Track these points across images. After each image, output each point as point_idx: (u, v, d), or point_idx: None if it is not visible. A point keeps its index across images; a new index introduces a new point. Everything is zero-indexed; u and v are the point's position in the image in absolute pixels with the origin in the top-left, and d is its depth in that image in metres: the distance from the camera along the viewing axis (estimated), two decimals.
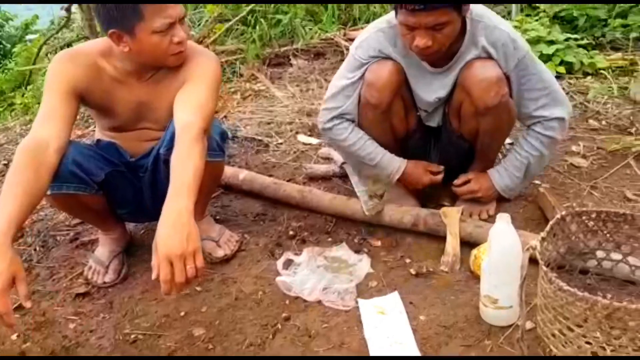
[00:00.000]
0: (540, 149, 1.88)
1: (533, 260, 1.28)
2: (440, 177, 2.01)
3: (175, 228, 1.36)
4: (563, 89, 2.90)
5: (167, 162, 1.72)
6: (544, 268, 1.24)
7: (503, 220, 1.43)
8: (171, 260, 1.33)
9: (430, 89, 1.85)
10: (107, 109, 1.80)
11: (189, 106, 1.63)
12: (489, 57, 1.74)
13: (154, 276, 1.35)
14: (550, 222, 1.36)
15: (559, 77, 3.05)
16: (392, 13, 1.76)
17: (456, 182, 1.99)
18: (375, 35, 1.81)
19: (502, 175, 1.95)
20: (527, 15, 3.64)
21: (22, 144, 1.55)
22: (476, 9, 1.75)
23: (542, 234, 1.32)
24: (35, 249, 2.13)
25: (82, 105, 1.76)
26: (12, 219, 1.40)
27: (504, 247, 1.42)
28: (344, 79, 1.89)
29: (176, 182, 1.43)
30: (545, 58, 3.08)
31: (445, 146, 2.01)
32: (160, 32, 1.61)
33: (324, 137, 2.21)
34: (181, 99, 1.67)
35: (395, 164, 1.97)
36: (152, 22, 1.59)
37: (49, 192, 1.60)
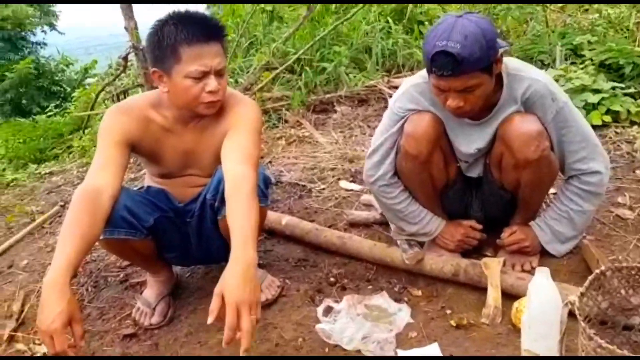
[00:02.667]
0: (580, 203, 1.87)
1: (574, 315, 1.27)
2: (477, 235, 2.05)
3: (245, 278, 1.43)
4: (609, 138, 2.93)
5: (212, 208, 1.81)
6: (583, 324, 1.24)
7: (542, 274, 1.43)
8: (239, 309, 1.40)
9: (470, 140, 1.88)
10: (156, 157, 1.90)
11: (240, 156, 1.71)
12: (528, 110, 1.76)
13: (210, 320, 1.42)
14: (590, 277, 1.36)
15: (605, 126, 3.03)
16: (422, 71, 1.82)
17: (503, 235, 1.98)
18: (412, 89, 1.86)
19: (544, 230, 1.94)
20: (572, 64, 3.63)
21: (79, 190, 1.65)
22: (512, 62, 1.78)
23: (581, 289, 1.32)
24: (87, 289, 2.22)
25: (133, 154, 1.87)
26: (70, 262, 1.49)
27: (543, 302, 1.42)
28: (385, 131, 1.93)
29: (241, 234, 1.50)
30: (591, 107, 3.06)
31: (487, 197, 2.01)
32: (193, 78, 1.70)
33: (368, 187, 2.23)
34: (229, 147, 1.75)
35: (435, 224, 2.03)
36: (187, 67, 1.69)
37: (101, 237, 1.69)
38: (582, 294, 1.29)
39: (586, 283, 1.33)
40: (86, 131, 4.77)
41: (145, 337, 1.90)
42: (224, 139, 1.82)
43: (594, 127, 2.93)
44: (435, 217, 2.04)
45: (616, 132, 2.99)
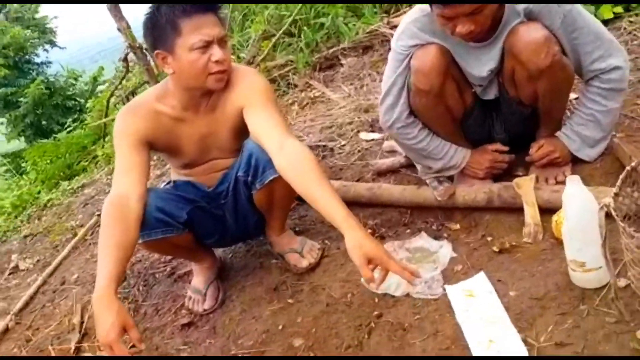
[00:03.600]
0: (604, 103, 1.81)
1: (612, 217, 1.25)
2: (504, 158, 2.01)
3: (371, 237, 1.52)
4: (624, 29, 2.81)
5: (246, 184, 1.83)
6: (621, 224, 1.21)
7: (573, 182, 1.40)
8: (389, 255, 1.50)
9: (480, 63, 1.83)
10: (174, 149, 1.92)
11: (280, 129, 1.74)
12: (534, 20, 1.70)
13: (376, 287, 1.58)
14: (621, 176, 1.32)
15: (618, 18, 2.91)
16: (420, 5, 1.78)
17: (531, 150, 1.94)
18: (412, 25, 1.81)
19: (572, 137, 1.89)
20: None
21: (106, 201, 1.69)
22: None
23: (614, 189, 1.29)
24: (138, 289, 2.29)
25: (152, 151, 1.89)
26: (112, 274, 1.53)
27: (578, 210, 1.39)
28: (392, 73, 1.90)
29: (338, 204, 1.55)
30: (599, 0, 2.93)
31: (508, 116, 1.97)
32: (197, 49, 1.70)
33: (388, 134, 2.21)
34: (264, 125, 1.77)
35: (460, 155, 2.00)
36: (189, 38, 1.69)
37: (140, 240, 1.73)
38: (616, 194, 1.26)
39: (618, 182, 1.29)
40: (106, 139, 4.85)
41: (202, 323, 1.96)
42: (236, 114, 1.83)
43: (606, 21, 2.84)
44: (460, 148, 2.01)
45: (630, 22, 2.87)
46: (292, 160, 1.65)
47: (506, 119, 1.99)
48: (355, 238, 1.47)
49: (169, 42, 1.71)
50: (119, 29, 3.67)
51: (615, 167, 1.89)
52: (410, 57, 1.83)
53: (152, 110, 1.84)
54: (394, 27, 3.84)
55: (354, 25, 4.12)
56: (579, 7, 1.72)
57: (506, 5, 1.70)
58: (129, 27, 3.64)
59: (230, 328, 1.88)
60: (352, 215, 1.53)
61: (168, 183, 2.05)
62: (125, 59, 3.88)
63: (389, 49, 3.72)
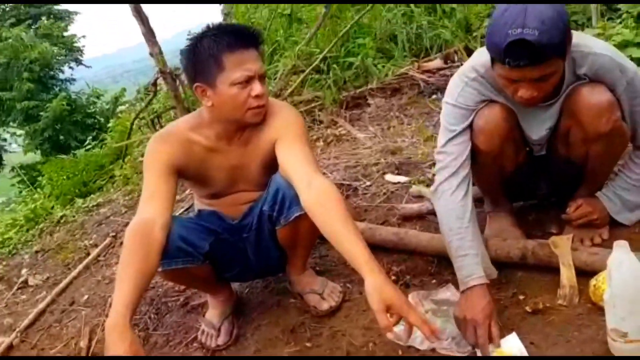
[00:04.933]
0: None
1: None
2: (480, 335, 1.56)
3: (392, 283, 1.47)
4: None
5: (270, 219, 1.80)
6: None
7: (621, 248, 1.35)
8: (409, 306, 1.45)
9: (540, 124, 1.76)
10: (203, 178, 1.88)
11: (309, 166, 1.71)
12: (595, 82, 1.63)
13: (391, 336, 1.55)
14: None
15: None
16: (477, 60, 1.70)
17: (569, 210, 1.87)
18: (472, 84, 1.71)
19: (613, 200, 1.84)
20: (609, 19, 3.47)
21: (130, 226, 1.65)
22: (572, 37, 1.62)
23: None
24: (150, 317, 2.23)
25: (180, 180, 1.85)
26: (129, 301, 1.48)
27: (626, 277, 1.33)
28: (449, 131, 1.75)
29: (363, 248, 1.50)
30: (637, 62, 2.90)
31: (553, 173, 1.91)
32: (239, 83, 1.69)
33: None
34: (293, 158, 1.74)
35: (472, 274, 1.64)
36: (231, 74, 1.68)
37: (159, 269, 1.69)
38: None
39: None
40: (126, 159, 4.84)
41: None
42: (269, 148, 1.81)
43: None
44: (478, 267, 1.65)
45: None
46: (319, 197, 1.61)
47: (552, 177, 1.93)
48: (376, 282, 1.42)
49: (211, 75, 1.70)
50: (151, 54, 3.70)
51: None
52: (474, 116, 1.73)
53: (185, 139, 1.82)
54: (425, 71, 3.86)
55: (383, 66, 4.12)
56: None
57: (566, 70, 1.62)
58: (161, 52, 3.67)
59: None
60: (374, 259, 1.48)
61: (187, 210, 2.01)
62: (154, 84, 3.90)
63: (419, 92, 3.77)
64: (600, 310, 1.56)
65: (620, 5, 3.61)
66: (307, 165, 1.72)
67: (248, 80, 1.70)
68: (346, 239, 1.52)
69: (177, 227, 1.73)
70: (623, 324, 1.36)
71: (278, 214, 1.78)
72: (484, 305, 1.56)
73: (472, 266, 1.64)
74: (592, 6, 3.52)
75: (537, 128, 1.77)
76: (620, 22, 3.31)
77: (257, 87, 1.72)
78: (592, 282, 1.62)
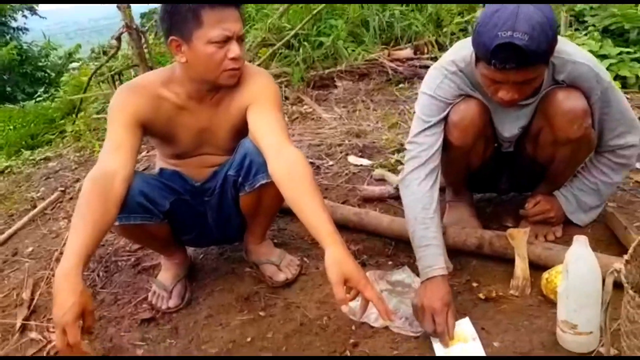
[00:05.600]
0: (611, 176, 1.83)
1: (614, 284, 1.23)
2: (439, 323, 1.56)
3: (352, 257, 1.44)
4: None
5: (235, 184, 1.76)
6: (631, 292, 1.20)
7: (581, 243, 1.39)
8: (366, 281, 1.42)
9: (513, 123, 1.79)
10: (169, 137, 1.83)
11: (280, 134, 1.68)
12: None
13: (346, 309, 1.51)
14: (633, 244, 1.31)
15: None
16: (457, 54, 1.71)
17: (527, 205, 1.92)
18: (452, 77, 1.72)
19: (570, 200, 1.90)
20: (577, 30, 3.58)
21: (90, 175, 1.58)
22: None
23: (626, 257, 1.28)
24: (98, 275, 2.16)
25: (145, 136, 1.79)
26: (83, 251, 1.43)
27: (583, 271, 1.38)
28: (423, 122, 1.74)
29: (326, 219, 1.48)
30: None
31: (517, 170, 1.95)
32: (216, 42, 1.63)
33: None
34: (267, 125, 1.70)
35: (434, 264, 1.63)
36: (209, 31, 1.62)
37: (116, 223, 1.63)
38: (627, 261, 1.25)
39: (630, 250, 1.29)
40: (79, 115, 4.67)
41: (164, 321, 1.85)
42: (240, 113, 1.77)
43: None
44: (440, 259, 1.65)
45: (626, 98, 2.95)
46: (288, 166, 1.59)
47: (515, 173, 1.98)
48: (337, 255, 1.41)
49: (187, 30, 1.64)
50: (118, 7, 3.56)
51: (606, 235, 1.91)
52: (449, 110, 1.74)
53: (154, 94, 1.75)
54: (394, 59, 3.87)
55: (353, 50, 4.12)
56: (613, 84, 1.71)
57: (546, 74, 1.64)
58: (129, 6, 3.54)
59: (194, 331, 1.78)
60: (337, 233, 1.47)
61: (145, 170, 1.95)
62: (118, 38, 3.76)
63: (386, 80, 3.80)
64: (550, 303, 1.62)
65: (587, 18, 3.74)
66: (278, 133, 1.69)
67: (226, 40, 1.65)
68: (311, 209, 1.50)
69: (139, 182, 1.68)
70: (574, 316, 1.41)
71: (243, 179, 1.75)
72: (442, 295, 1.57)
73: (434, 257, 1.65)
74: (562, 15, 3.62)
75: (510, 126, 1.80)
76: (586, 34, 3.42)
77: (234, 49, 1.66)
78: (545, 275, 1.67)
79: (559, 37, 1.64)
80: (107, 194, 1.55)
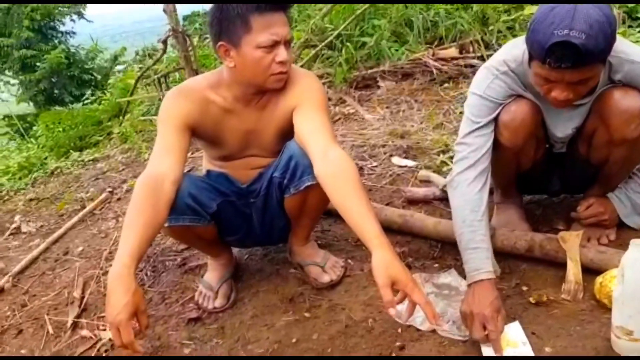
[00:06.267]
0: None
1: None
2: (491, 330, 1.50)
3: (399, 260, 1.44)
4: None
5: (280, 186, 1.77)
6: None
7: (637, 246, 1.34)
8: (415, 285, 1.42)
9: (566, 123, 1.74)
10: (217, 139, 1.85)
11: (327, 136, 1.68)
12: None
13: (393, 312, 1.40)
14: None
15: None
16: (508, 53, 1.67)
17: (580, 208, 1.87)
18: (502, 77, 1.68)
19: (624, 202, 1.84)
20: (629, 27, 3.46)
21: (142, 177, 1.62)
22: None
23: None
24: (146, 274, 2.21)
25: (193, 138, 1.82)
26: (135, 252, 1.46)
27: (639, 276, 1.33)
28: (473, 123, 1.71)
29: (373, 221, 1.48)
30: None
31: (569, 171, 1.90)
32: (264, 47, 1.64)
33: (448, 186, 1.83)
34: (311, 126, 1.71)
35: (481, 268, 1.59)
36: (258, 36, 1.63)
37: (166, 224, 1.66)
38: None
39: None
40: (126, 117, 4.78)
41: (211, 321, 1.88)
42: (286, 115, 1.78)
43: None
44: (487, 262, 1.61)
45: None
46: (334, 168, 1.58)
47: (567, 174, 1.92)
48: (384, 257, 1.40)
49: (236, 36, 1.65)
50: (164, 10, 3.63)
51: None
52: (500, 110, 1.69)
53: (203, 97, 1.78)
54: (439, 59, 3.82)
55: (396, 50, 4.09)
56: None
57: (601, 74, 1.57)
58: (175, 10, 3.60)
59: (239, 331, 1.79)
60: (384, 235, 1.46)
61: (188, 172, 1.98)
62: (165, 41, 3.84)
63: (430, 80, 3.75)
64: (603, 308, 1.57)
65: None
66: (324, 134, 1.69)
67: (274, 45, 1.66)
68: (357, 211, 1.50)
69: (188, 184, 1.71)
70: (630, 322, 1.36)
71: (289, 181, 1.75)
72: (492, 300, 1.53)
73: (482, 260, 1.61)
74: (614, 12, 3.50)
75: (563, 126, 1.75)
76: None
77: (282, 53, 1.67)
78: (599, 279, 1.62)
79: (620, 39, 1.58)
80: (157, 196, 1.58)
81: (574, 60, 1.38)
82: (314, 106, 1.76)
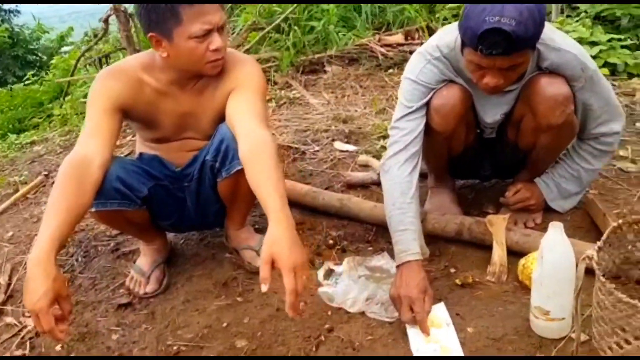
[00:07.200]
0: (592, 162, 1.83)
1: (587, 271, 1.23)
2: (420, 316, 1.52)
3: (294, 240, 1.36)
4: None
5: (212, 170, 1.74)
6: (602, 279, 1.19)
7: (556, 229, 1.38)
8: (295, 272, 1.32)
9: (495, 109, 1.78)
10: (151, 122, 1.81)
11: (253, 118, 1.64)
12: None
13: (265, 289, 1.33)
14: (606, 231, 1.31)
15: None
16: (441, 39, 1.69)
17: (507, 194, 1.92)
18: (435, 62, 1.70)
19: (551, 187, 1.90)
20: (568, 17, 3.55)
21: (67, 159, 1.56)
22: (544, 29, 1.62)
23: (599, 244, 1.27)
24: (77, 260, 2.15)
25: (125, 120, 1.77)
26: (56, 236, 1.41)
27: (557, 258, 1.37)
28: (405, 107, 1.74)
29: (276, 196, 1.41)
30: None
31: (499, 156, 1.95)
32: (197, 37, 1.60)
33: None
34: (241, 108, 1.68)
35: (409, 249, 1.62)
36: (190, 27, 1.59)
37: (92, 209, 1.62)
38: (599, 248, 1.24)
39: (603, 237, 1.28)
40: (67, 99, 4.62)
41: (141, 307, 1.84)
42: (223, 100, 1.74)
43: None
44: (415, 243, 1.64)
45: (614, 85, 2.94)
46: (251, 147, 1.55)
47: (497, 159, 1.97)
48: (274, 233, 1.35)
49: (167, 27, 1.60)
50: None
51: (586, 222, 1.91)
52: (432, 95, 1.72)
53: (135, 79, 1.72)
54: (385, 45, 3.83)
55: (344, 35, 4.08)
56: (599, 72, 1.70)
57: (531, 61, 1.62)
58: None
59: (170, 316, 1.77)
60: (285, 212, 1.39)
61: (126, 156, 1.93)
62: (106, 20, 3.72)
63: (376, 65, 3.76)
64: (525, 289, 1.62)
65: (579, 5, 3.70)
66: (253, 116, 1.65)
67: (207, 34, 1.62)
68: (265, 186, 1.45)
69: (116, 168, 1.66)
70: (547, 302, 1.40)
71: (220, 165, 1.72)
72: (418, 281, 1.56)
73: (409, 242, 1.64)
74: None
75: (492, 112, 1.78)
76: (578, 21, 3.39)
77: (216, 40, 1.63)
78: (522, 261, 1.67)
79: (546, 24, 1.63)
80: (82, 179, 1.53)
81: (505, 47, 1.41)
82: (248, 90, 1.73)
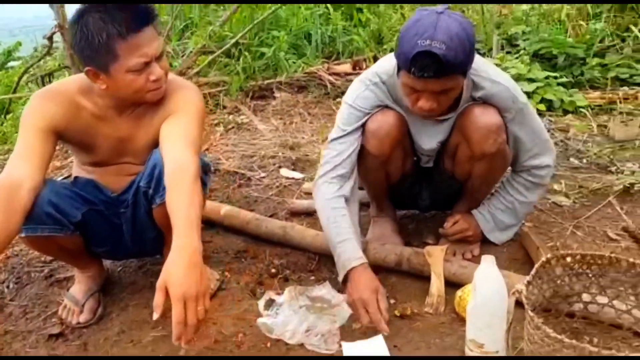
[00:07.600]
0: (526, 195, 1.90)
1: (519, 303, 1.27)
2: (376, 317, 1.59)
3: (190, 268, 1.33)
4: (544, 126, 2.98)
5: (146, 196, 1.70)
6: (530, 314, 1.23)
7: (488, 262, 1.41)
8: (185, 301, 1.29)
9: (431, 137, 1.83)
10: (87, 145, 1.77)
11: (181, 142, 1.61)
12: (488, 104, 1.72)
13: (156, 316, 1.30)
14: (536, 266, 1.36)
15: (539, 114, 3.07)
16: (381, 66, 1.75)
17: (446, 225, 1.96)
18: (372, 88, 1.76)
19: (487, 219, 1.95)
20: (508, 53, 3.70)
21: None
22: (476, 61, 1.68)
23: (528, 278, 1.31)
24: (8, 286, 2.06)
25: (60, 142, 1.73)
26: None
27: (488, 291, 1.40)
28: (340, 130, 1.81)
29: (183, 221, 1.40)
30: (527, 95, 3.12)
31: (436, 186, 2.00)
32: (135, 71, 1.58)
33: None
34: (169, 132, 1.65)
35: (352, 256, 1.70)
36: (126, 62, 1.56)
37: (22, 234, 1.57)
38: (528, 283, 1.28)
39: (532, 272, 1.32)
40: (7, 116, 4.46)
41: (73, 337, 1.77)
42: (161, 125, 1.71)
43: None
44: (358, 250, 1.72)
45: (550, 121, 3.07)
46: (172, 170, 1.54)
47: (435, 189, 2.01)
48: (172, 260, 1.33)
49: (103, 63, 1.56)
50: (51, 6, 3.43)
51: (521, 254, 1.96)
52: (367, 119, 1.77)
53: (72, 102, 1.68)
54: (333, 73, 3.90)
55: (294, 62, 4.13)
56: (530, 106, 1.79)
57: (464, 90, 1.69)
58: (63, 5, 3.41)
59: (103, 348, 1.71)
60: (192, 237, 1.38)
61: (65, 178, 1.88)
62: (50, 38, 3.62)
63: (324, 94, 3.81)
64: (462, 320, 1.64)
65: (519, 42, 3.87)
66: (181, 140, 1.62)
67: (145, 66, 1.59)
68: (175, 212, 1.43)
69: (48, 192, 1.61)
70: (481, 335, 1.43)
71: (154, 191, 1.68)
72: (367, 282, 1.61)
73: (351, 250, 1.70)
74: (495, 38, 3.74)
75: (429, 140, 1.84)
76: (517, 57, 3.54)
77: (156, 71, 1.61)
78: (458, 293, 1.70)
79: (482, 59, 1.73)
80: (11, 203, 1.49)
81: (435, 70, 1.47)
82: (184, 114, 1.70)
